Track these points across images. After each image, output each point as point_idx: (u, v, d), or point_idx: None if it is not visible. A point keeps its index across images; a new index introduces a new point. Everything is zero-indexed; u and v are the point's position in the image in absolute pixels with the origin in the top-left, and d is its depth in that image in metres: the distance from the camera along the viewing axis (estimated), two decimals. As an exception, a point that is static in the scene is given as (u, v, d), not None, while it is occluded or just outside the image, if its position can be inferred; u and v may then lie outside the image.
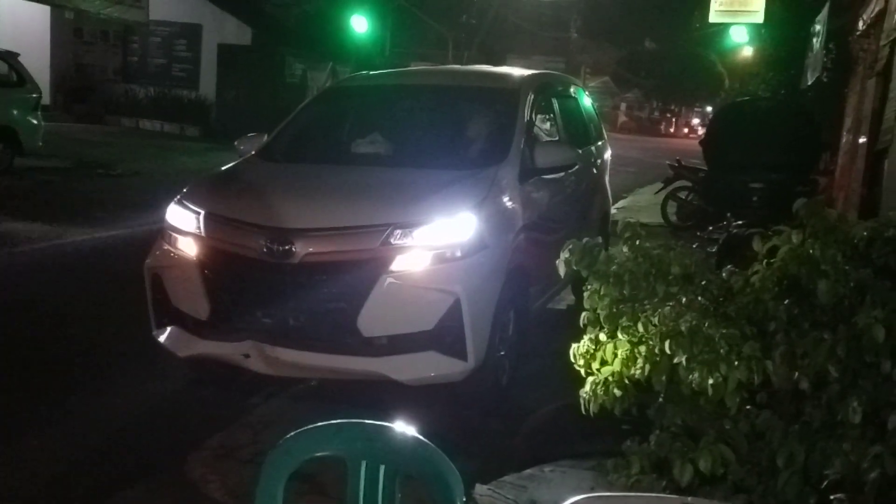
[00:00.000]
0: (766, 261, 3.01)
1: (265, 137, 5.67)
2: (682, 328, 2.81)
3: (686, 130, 55.79)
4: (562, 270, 3.28)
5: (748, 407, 2.80)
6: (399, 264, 4.21)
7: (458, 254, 4.29)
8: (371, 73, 7.07)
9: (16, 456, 3.97)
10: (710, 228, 10.28)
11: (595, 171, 7.09)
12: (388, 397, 4.37)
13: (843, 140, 10.75)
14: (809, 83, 13.23)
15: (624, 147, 25.30)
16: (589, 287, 3.20)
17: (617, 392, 3.03)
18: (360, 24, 21.59)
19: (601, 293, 3.14)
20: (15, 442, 4.12)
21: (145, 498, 3.68)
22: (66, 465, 3.96)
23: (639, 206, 14.25)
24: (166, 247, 4.67)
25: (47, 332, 5.79)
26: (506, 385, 4.77)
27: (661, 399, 2.99)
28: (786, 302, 2.90)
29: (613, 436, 3.11)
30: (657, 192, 13.05)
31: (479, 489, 3.18)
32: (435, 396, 4.49)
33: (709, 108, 51.47)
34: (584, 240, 3.29)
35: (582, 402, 3.13)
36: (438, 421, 4.28)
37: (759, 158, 10.76)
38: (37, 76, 13.92)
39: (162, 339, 4.67)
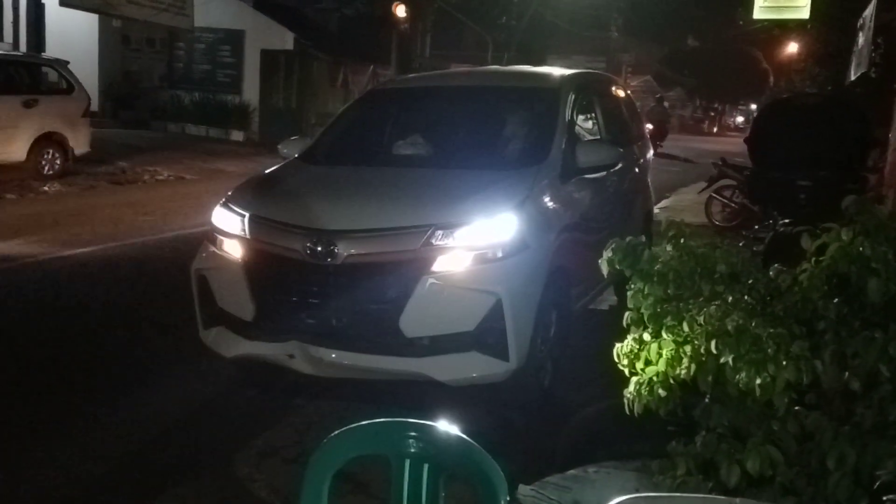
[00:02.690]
0: (814, 259, 2.95)
1: (308, 140, 5.72)
2: (729, 327, 2.77)
3: (735, 123, 54.82)
4: (604, 270, 3.26)
5: (797, 407, 2.74)
6: (440, 265, 4.21)
7: (500, 254, 4.28)
8: (412, 75, 7.09)
9: (63, 456, 4.05)
10: (756, 227, 10.12)
11: (637, 170, 7.03)
12: (431, 397, 4.38)
13: (893, 136, 10.49)
14: (853, 78, 12.97)
15: (667, 146, 25.04)
16: (632, 286, 3.17)
17: (662, 392, 2.99)
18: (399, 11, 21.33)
19: (645, 292, 3.11)
20: (62, 442, 4.20)
21: (192, 497, 3.73)
22: (113, 465, 4.03)
23: (682, 205, 14.07)
24: (212, 249, 4.74)
25: (94, 334, 5.91)
26: (548, 386, 4.74)
27: (707, 399, 2.95)
28: (835, 301, 2.84)
29: (658, 437, 3.08)
30: (701, 192, 12.87)
31: (523, 489, 3.17)
32: (477, 397, 4.49)
33: (753, 106, 50.67)
34: (627, 239, 3.26)
35: (626, 402, 3.10)
36: (481, 421, 4.29)
37: (805, 155, 10.52)
38: (85, 83, 14.22)
39: (208, 340, 4.74)
